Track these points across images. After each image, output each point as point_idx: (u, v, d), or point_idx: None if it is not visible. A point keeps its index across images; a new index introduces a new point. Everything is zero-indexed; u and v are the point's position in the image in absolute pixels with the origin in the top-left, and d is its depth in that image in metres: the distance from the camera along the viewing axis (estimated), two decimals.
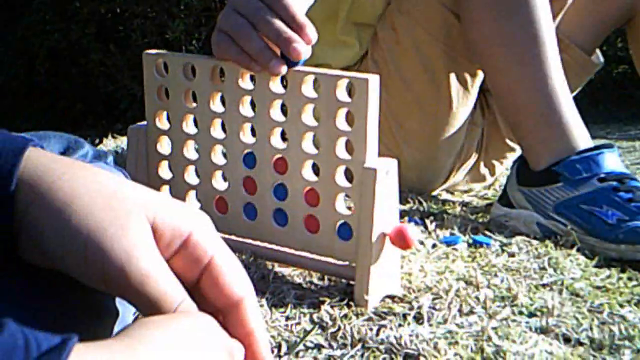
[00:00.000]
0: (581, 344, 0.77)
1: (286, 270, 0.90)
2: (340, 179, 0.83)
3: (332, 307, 0.81)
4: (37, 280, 0.40)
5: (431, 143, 1.33)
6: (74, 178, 0.39)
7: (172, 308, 0.39)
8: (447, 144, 1.34)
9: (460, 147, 1.38)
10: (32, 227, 0.39)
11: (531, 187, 1.17)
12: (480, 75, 1.30)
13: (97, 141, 1.87)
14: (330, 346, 0.74)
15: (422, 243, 1.03)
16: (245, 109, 0.87)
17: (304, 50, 0.79)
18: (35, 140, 0.41)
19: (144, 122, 0.93)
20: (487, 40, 1.19)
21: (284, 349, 0.73)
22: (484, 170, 1.46)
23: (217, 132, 0.89)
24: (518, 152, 1.48)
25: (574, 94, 1.37)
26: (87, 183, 0.39)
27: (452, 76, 1.29)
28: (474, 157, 1.43)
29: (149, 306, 0.38)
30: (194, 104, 0.90)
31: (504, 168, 1.49)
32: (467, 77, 1.30)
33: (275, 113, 0.85)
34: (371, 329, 0.76)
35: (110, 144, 1.85)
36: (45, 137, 0.51)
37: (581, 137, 1.15)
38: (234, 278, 0.41)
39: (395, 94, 1.31)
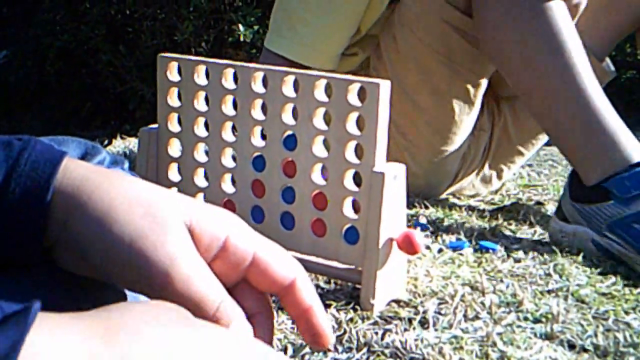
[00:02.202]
0: (586, 350, 0.77)
1: None
2: (349, 182, 0.84)
3: (338, 310, 0.82)
4: (57, 280, 0.41)
5: (434, 152, 1.34)
6: (111, 187, 0.41)
7: (214, 308, 0.40)
8: (451, 152, 1.34)
9: (466, 153, 1.38)
10: (72, 237, 0.40)
11: (584, 204, 1.11)
12: (483, 85, 1.30)
13: (106, 142, 1.88)
14: (336, 350, 0.74)
15: (428, 248, 1.04)
16: (257, 112, 0.88)
17: None
18: (66, 151, 0.42)
19: (155, 125, 0.94)
20: (516, 66, 1.15)
21: (290, 351, 0.73)
22: (491, 174, 1.46)
23: (227, 134, 0.90)
24: (527, 156, 1.48)
25: None
26: (125, 192, 0.41)
27: (453, 87, 1.28)
28: (480, 162, 1.43)
29: (191, 308, 0.39)
30: (206, 107, 0.91)
31: (511, 173, 1.50)
32: (470, 87, 1.29)
33: (287, 116, 0.86)
34: (376, 333, 0.77)
35: (119, 144, 1.86)
36: (64, 142, 0.52)
37: (633, 148, 1.08)
38: (280, 265, 0.42)
39: (396, 104, 1.30)
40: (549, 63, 1.12)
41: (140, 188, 0.42)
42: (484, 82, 1.29)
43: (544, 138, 1.45)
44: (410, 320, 0.80)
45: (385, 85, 0.80)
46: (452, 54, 1.26)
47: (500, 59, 1.18)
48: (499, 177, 1.48)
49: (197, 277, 0.39)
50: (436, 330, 0.78)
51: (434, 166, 1.35)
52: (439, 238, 1.10)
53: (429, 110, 1.30)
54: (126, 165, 0.55)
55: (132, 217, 0.40)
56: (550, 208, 1.35)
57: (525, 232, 1.18)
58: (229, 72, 0.88)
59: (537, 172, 1.70)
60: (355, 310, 0.82)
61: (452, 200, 1.42)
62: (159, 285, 0.39)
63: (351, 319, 0.80)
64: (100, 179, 0.41)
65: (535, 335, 0.79)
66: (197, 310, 0.39)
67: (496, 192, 1.50)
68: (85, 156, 0.54)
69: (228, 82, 0.88)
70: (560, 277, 0.96)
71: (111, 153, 0.56)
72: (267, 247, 0.43)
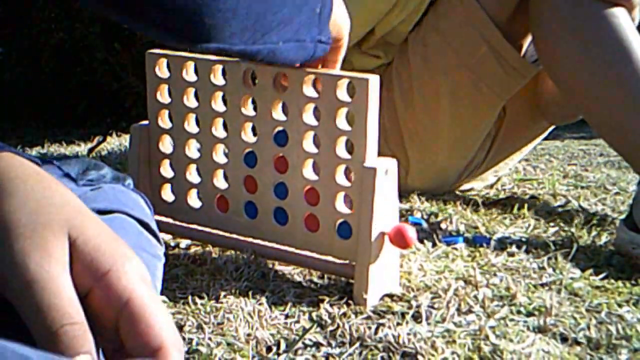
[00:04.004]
0: (578, 343, 0.77)
1: (286, 269, 0.91)
2: (341, 178, 0.84)
3: (331, 305, 0.82)
4: None
5: (441, 160, 1.33)
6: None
7: (60, 323, 0.35)
8: (459, 160, 1.34)
9: (471, 158, 1.38)
10: None
11: None
12: (501, 105, 1.29)
13: (100, 139, 1.88)
14: (329, 344, 0.74)
15: (422, 242, 1.04)
16: (247, 109, 0.88)
17: None
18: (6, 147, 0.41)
19: (147, 121, 0.94)
20: (580, 80, 1.11)
21: (282, 346, 0.73)
22: (489, 171, 1.46)
23: (218, 131, 0.90)
24: (525, 152, 1.48)
25: None
26: (22, 180, 0.38)
27: (476, 105, 1.26)
28: (482, 165, 1.43)
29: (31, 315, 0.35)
30: (196, 103, 0.90)
31: (508, 168, 1.49)
32: (489, 108, 1.28)
33: (277, 112, 0.86)
34: (370, 328, 0.77)
35: (114, 142, 1.86)
36: (67, 160, 0.51)
37: None
38: (151, 326, 0.36)
39: (411, 109, 1.30)
40: (617, 73, 1.07)
41: (37, 186, 0.38)
42: (501, 103, 1.28)
43: (543, 135, 1.45)
44: (403, 315, 0.80)
45: (374, 81, 0.80)
46: (483, 75, 1.23)
47: (563, 75, 1.14)
48: (496, 172, 1.47)
49: (44, 281, 0.35)
50: (429, 324, 0.78)
51: (437, 173, 1.35)
52: (433, 232, 1.10)
53: (445, 121, 1.28)
54: (128, 181, 0.54)
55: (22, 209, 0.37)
56: (545, 202, 1.35)
57: (519, 226, 1.18)
58: (218, 68, 0.88)
59: (533, 167, 1.70)
60: (348, 304, 0.82)
61: (447, 194, 1.42)
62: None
63: (344, 314, 0.80)
64: None
65: (528, 328, 0.79)
66: (37, 320, 0.35)
67: (491, 186, 1.50)
68: (86, 171, 0.53)
69: (217, 79, 0.88)
70: (554, 270, 0.96)
71: (114, 170, 0.55)
72: (145, 301, 0.37)
